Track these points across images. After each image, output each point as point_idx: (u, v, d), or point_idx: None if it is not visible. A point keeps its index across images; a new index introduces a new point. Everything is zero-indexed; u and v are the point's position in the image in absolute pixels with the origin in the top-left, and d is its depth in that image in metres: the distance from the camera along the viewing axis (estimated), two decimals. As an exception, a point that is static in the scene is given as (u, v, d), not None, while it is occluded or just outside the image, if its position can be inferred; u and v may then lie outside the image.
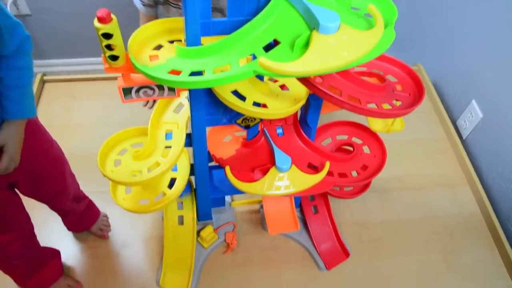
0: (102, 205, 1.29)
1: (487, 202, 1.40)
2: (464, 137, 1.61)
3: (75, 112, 1.59)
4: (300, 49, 0.66)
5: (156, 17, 1.53)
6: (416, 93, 0.93)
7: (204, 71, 0.69)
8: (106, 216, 1.30)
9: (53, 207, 1.14)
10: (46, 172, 1.01)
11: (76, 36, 1.85)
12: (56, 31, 1.83)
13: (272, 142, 0.97)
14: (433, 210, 1.40)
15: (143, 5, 1.48)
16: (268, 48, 0.70)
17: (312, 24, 0.67)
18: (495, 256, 1.31)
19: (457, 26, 1.63)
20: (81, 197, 1.21)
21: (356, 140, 1.16)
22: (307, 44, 0.66)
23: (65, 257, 1.22)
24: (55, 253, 1.19)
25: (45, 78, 1.69)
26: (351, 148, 1.14)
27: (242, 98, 0.83)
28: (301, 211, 1.28)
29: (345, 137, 1.17)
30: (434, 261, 1.28)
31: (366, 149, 1.14)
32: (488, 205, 1.40)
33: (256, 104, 0.83)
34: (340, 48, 0.64)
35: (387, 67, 0.99)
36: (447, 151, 1.57)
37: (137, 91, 0.86)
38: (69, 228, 1.26)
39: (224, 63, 0.69)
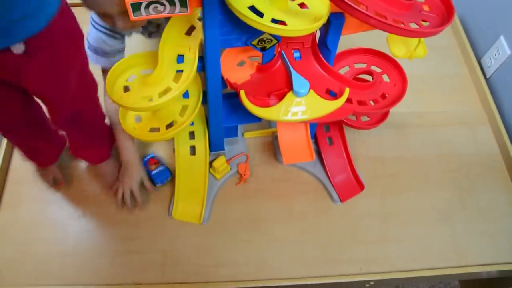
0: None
1: (508, 142, 1.35)
2: (488, 76, 1.53)
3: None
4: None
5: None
6: (445, 14, 0.87)
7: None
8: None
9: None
10: (47, 93, 0.90)
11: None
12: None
13: (289, 65, 0.92)
14: (451, 148, 1.36)
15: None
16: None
17: None
18: (512, 197, 1.28)
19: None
20: (92, 126, 1.13)
21: (375, 69, 1.11)
22: None
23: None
24: (61, 141, 1.20)
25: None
26: (369, 78, 1.09)
27: (260, 14, 0.78)
28: (316, 143, 1.25)
29: (363, 65, 1.11)
30: (448, 199, 1.26)
31: (385, 78, 1.09)
32: (508, 144, 1.35)
33: (274, 21, 0.78)
34: None
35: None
36: (469, 89, 1.51)
37: (147, 6, 0.80)
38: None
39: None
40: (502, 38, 1.47)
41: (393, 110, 1.10)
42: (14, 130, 1.04)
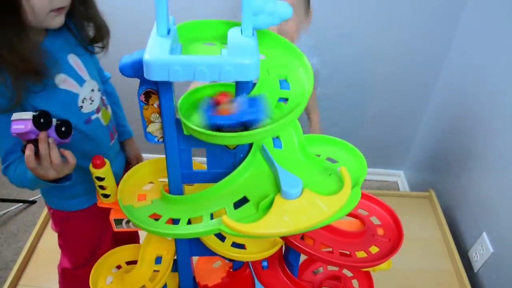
0: None
1: None
2: (475, 270, 1.55)
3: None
4: (263, 210, 0.71)
5: None
6: (396, 239, 0.94)
7: (180, 219, 0.76)
8: None
9: None
10: None
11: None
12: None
13: (254, 276, 1.00)
14: None
15: None
16: (243, 201, 0.76)
17: (279, 186, 0.73)
18: None
19: (470, 153, 1.65)
20: None
21: (346, 273, 1.16)
22: (271, 205, 0.71)
23: None
24: None
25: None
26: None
27: (222, 237, 0.89)
28: None
29: (335, 268, 1.17)
30: None
31: (355, 283, 1.13)
32: None
33: (235, 244, 0.88)
34: (298, 213, 0.69)
35: (373, 207, 1.01)
36: (453, 285, 1.52)
37: (128, 222, 0.93)
38: None
39: (198, 215, 0.76)
40: (484, 234, 1.52)
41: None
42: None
